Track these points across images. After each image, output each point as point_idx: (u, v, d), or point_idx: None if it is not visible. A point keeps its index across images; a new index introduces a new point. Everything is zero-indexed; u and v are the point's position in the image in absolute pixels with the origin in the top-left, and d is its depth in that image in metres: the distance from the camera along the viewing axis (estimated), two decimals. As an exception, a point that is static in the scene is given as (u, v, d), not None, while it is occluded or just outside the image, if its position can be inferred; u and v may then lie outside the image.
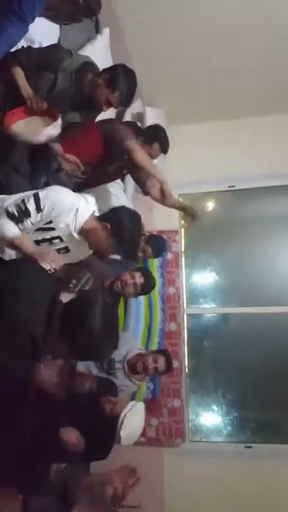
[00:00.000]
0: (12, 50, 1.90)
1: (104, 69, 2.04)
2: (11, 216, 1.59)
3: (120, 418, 1.87)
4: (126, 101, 2.05)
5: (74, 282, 2.07)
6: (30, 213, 1.60)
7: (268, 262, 3.67)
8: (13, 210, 1.60)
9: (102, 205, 2.70)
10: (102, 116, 2.31)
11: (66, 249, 1.78)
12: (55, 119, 1.81)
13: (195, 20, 2.83)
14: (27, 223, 1.62)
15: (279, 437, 3.33)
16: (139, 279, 2.45)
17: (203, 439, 3.47)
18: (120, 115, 3.40)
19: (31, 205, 1.60)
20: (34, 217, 1.62)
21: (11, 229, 1.61)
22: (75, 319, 1.34)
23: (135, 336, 3.12)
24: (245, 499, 3.11)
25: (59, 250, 1.78)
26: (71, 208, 1.66)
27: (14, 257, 1.69)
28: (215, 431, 3.49)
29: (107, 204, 2.70)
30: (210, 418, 3.51)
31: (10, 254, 1.70)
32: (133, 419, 1.91)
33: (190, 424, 3.45)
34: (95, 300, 1.38)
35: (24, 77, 1.88)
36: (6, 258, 1.70)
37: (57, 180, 2.16)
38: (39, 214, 1.62)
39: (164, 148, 2.60)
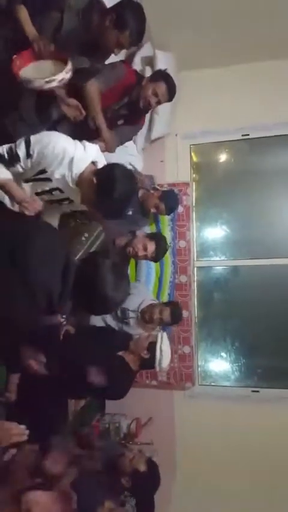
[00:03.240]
0: None
1: (110, 8, 1.89)
2: (1, 158, 1.56)
3: (158, 353, 2.05)
4: (137, 39, 1.89)
5: (86, 235, 2.12)
6: (19, 158, 1.55)
7: (279, 214, 3.60)
8: (4, 152, 1.56)
9: (111, 156, 2.67)
10: (113, 59, 2.20)
11: (69, 200, 1.74)
12: (65, 63, 1.70)
13: None
14: (17, 168, 1.58)
15: (285, 382, 3.45)
16: (151, 251, 2.50)
17: (212, 383, 3.62)
18: (129, 59, 3.24)
19: (21, 150, 1.54)
20: (24, 163, 1.57)
21: (1, 173, 1.57)
22: (87, 281, 1.37)
23: (147, 288, 3.20)
24: (250, 440, 3.29)
25: (61, 201, 1.74)
26: (64, 156, 1.55)
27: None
28: (223, 376, 3.64)
29: (115, 154, 2.66)
30: (219, 364, 3.64)
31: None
32: (166, 348, 2.09)
33: (199, 370, 3.59)
34: (103, 262, 1.40)
35: (28, 17, 1.75)
36: (8, 205, 1.70)
37: (60, 128, 2.10)
38: (28, 160, 1.56)
39: (171, 93, 2.38)
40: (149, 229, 3.23)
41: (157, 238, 2.62)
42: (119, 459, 2.05)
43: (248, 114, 3.49)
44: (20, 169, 1.59)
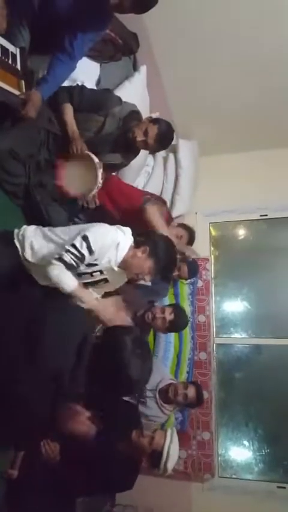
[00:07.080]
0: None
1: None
2: (69, 266, 1.59)
3: (165, 451, 1.89)
4: (161, 144, 2.21)
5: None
6: (85, 257, 1.62)
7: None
8: (70, 259, 1.59)
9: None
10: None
11: (106, 280, 1.80)
12: (95, 168, 1.98)
13: (227, 55, 2.90)
14: (82, 267, 1.65)
15: (315, 479, 3.14)
16: (169, 315, 2.49)
17: (233, 476, 3.32)
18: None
19: (84, 249, 1.61)
20: (88, 259, 1.64)
21: (69, 283, 1.59)
22: (106, 360, 1.33)
23: (165, 365, 3.09)
24: None
25: (98, 282, 1.80)
26: (113, 244, 1.69)
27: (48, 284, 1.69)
28: (246, 467, 3.34)
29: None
30: (241, 453, 3.37)
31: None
32: (174, 449, 1.93)
33: (220, 459, 3.32)
34: (124, 340, 1.34)
35: (73, 115, 2.00)
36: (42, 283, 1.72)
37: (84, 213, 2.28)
38: (91, 257, 1.64)
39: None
40: (168, 301, 3.21)
41: (175, 307, 2.62)
42: None
43: (267, 196, 3.65)
44: (84, 267, 1.66)
